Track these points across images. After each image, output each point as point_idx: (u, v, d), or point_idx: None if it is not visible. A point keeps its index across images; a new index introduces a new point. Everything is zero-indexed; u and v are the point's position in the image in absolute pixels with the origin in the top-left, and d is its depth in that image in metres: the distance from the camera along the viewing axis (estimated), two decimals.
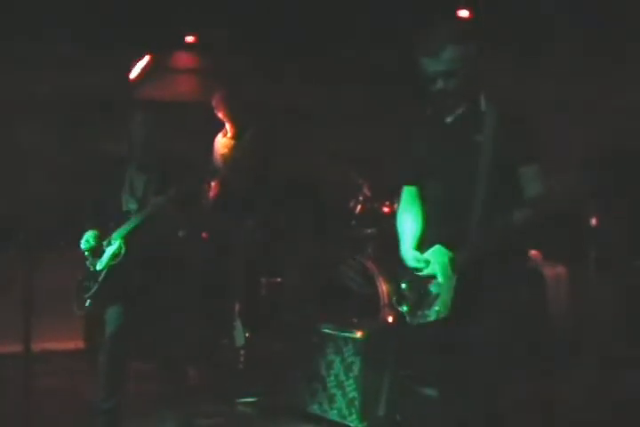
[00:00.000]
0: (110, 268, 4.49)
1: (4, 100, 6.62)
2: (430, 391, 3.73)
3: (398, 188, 3.68)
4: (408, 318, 3.50)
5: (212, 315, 6.01)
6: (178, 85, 7.71)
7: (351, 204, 5.85)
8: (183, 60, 7.75)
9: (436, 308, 3.35)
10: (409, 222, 3.58)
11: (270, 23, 6.76)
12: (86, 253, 4.59)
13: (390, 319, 5.10)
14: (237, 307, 5.68)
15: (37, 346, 4.24)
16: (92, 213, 4.71)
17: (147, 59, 7.27)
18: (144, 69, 7.29)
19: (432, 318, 3.37)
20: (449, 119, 3.49)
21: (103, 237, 4.58)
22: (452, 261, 3.34)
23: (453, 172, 3.41)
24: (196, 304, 6.02)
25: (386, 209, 5.66)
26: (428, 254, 3.41)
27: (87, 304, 4.49)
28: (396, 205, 4.72)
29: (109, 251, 4.51)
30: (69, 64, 6.86)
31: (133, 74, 7.27)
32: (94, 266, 4.54)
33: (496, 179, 3.32)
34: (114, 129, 4.79)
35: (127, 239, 4.49)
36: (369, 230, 5.72)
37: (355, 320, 5.27)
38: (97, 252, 4.56)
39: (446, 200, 3.45)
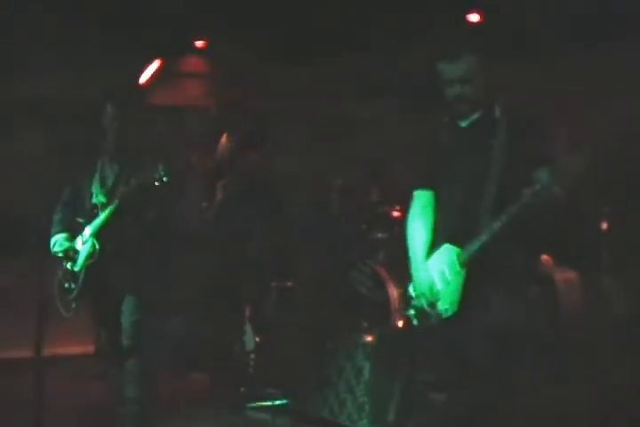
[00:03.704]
0: (88, 267, 4.37)
1: (11, 103, 6.64)
2: (440, 396, 3.72)
3: (410, 192, 3.69)
4: (415, 322, 3.52)
5: (222, 319, 6.01)
6: (186, 90, 7.72)
7: (362, 208, 5.85)
8: (192, 64, 7.76)
9: (445, 306, 3.37)
10: (419, 232, 3.58)
11: (278, 28, 6.76)
12: (61, 256, 4.47)
13: (401, 324, 5.10)
14: (247, 311, 5.68)
15: (48, 350, 4.23)
16: (59, 215, 4.58)
17: (156, 63, 7.29)
18: (154, 74, 7.30)
19: (437, 317, 3.38)
20: (464, 124, 3.52)
21: (74, 236, 4.46)
22: (460, 256, 3.36)
23: (466, 176, 3.44)
24: (201, 306, 6.03)
25: (397, 213, 5.67)
26: (436, 255, 3.44)
27: (73, 307, 4.41)
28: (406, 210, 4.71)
29: (84, 250, 4.39)
30: (77, 68, 6.88)
31: (143, 78, 7.28)
32: (72, 267, 4.43)
33: (504, 182, 3.34)
34: None
35: (99, 236, 4.36)
36: (379, 235, 5.72)
37: (365, 325, 5.27)
38: (71, 252, 4.45)
39: (458, 204, 3.47)
